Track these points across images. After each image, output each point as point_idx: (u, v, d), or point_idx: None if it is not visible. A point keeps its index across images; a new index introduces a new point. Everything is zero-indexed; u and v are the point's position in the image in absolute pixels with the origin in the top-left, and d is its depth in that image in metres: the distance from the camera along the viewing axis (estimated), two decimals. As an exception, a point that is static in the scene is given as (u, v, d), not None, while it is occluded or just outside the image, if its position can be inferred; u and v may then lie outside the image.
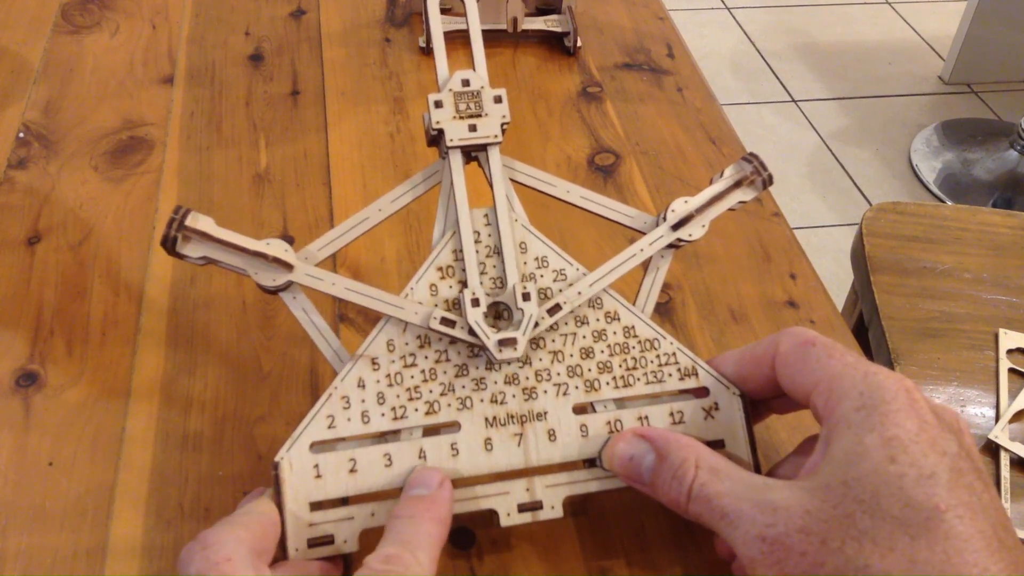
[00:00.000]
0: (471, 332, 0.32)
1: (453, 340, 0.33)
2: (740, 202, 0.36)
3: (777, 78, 1.97)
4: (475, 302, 0.33)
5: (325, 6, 0.68)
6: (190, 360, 0.42)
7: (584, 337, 0.34)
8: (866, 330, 0.76)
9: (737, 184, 0.36)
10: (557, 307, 0.33)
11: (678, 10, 2.11)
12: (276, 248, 0.33)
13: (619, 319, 0.34)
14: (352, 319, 0.45)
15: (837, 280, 1.40)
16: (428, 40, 0.63)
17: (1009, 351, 0.66)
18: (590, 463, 0.33)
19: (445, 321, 0.32)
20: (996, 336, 0.68)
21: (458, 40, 0.64)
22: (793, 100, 1.90)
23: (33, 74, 0.60)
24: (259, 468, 0.38)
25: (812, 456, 0.29)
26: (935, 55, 2.06)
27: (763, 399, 0.35)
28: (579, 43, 0.64)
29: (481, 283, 0.33)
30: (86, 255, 0.48)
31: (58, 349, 0.43)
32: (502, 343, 0.32)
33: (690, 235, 0.35)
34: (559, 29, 0.64)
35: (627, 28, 0.67)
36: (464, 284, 0.34)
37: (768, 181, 0.36)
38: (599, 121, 0.58)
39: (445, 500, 0.31)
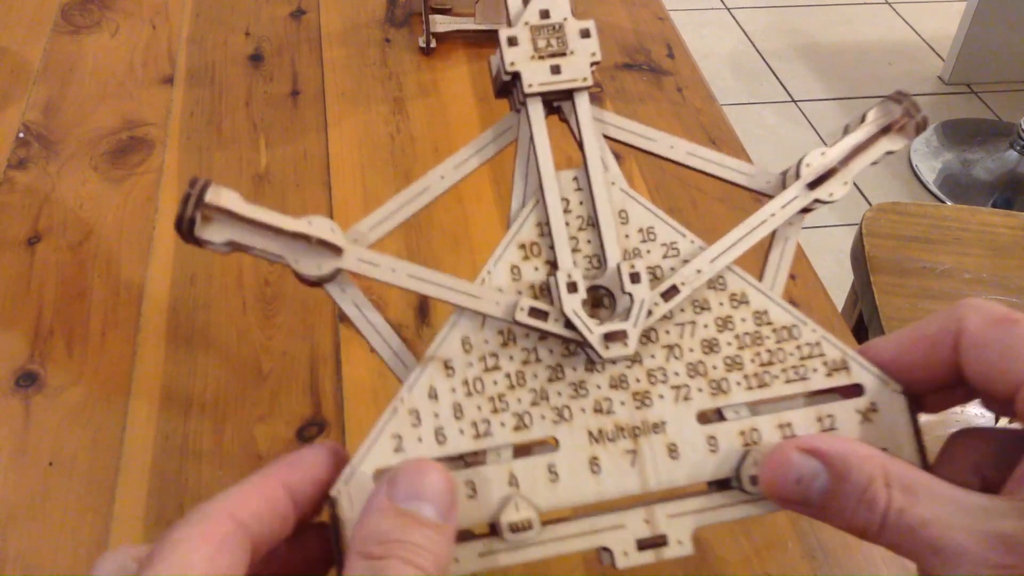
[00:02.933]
0: (568, 325, 0.26)
1: (543, 336, 0.27)
2: (887, 152, 0.29)
3: (777, 78, 1.97)
4: (571, 287, 0.26)
5: (325, 6, 0.68)
6: (190, 360, 0.42)
7: (706, 326, 0.28)
8: (866, 330, 0.76)
9: (884, 130, 0.29)
10: (673, 290, 0.27)
11: (678, 10, 2.11)
12: (321, 227, 0.26)
13: (748, 303, 0.28)
14: (352, 319, 0.45)
15: (837, 280, 1.40)
16: (428, 39, 0.63)
17: (1009, 351, 0.66)
18: (723, 484, 0.27)
19: (535, 312, 0.26)
20: (996, 336, 0.68)
21: (458, 40, 0.64)
22: (793, 100, 1.90)
23: (33, 74, 0.60)
24: (259, 468, 0.38)
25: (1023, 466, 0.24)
26: (935, 55, 2.06)
27: (927, 392, 0.28)
28: (579, 43, 0.64)
29: (575, 262, 0.27)
30: (86, 255, 0.48)
31: (58, 349, 0.43)
32: (609, 337, 0.26)
33: (831, 195, 0.29)
34: (559, 29, 0.64)
35: (627, 28, 0.67)
36: (553, 265, 0.27)
37: (922, 125, 0.29)
38: (599, 121, 0.58)
39: (448, 538, 0.23)
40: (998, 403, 0.26)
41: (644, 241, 0.28)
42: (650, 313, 0.27)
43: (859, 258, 0.78)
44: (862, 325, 0.77)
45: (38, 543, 0.35)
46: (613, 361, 0.27)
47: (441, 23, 0.63)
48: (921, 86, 1.96)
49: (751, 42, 2.09)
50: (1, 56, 0.61)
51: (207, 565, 0.21)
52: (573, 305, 0.26)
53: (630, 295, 0.27)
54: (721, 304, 0.28)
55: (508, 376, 0.27)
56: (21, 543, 0.35)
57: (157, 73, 0.61)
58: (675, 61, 0.64)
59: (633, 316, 0.26)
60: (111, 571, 0.23)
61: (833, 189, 0.29)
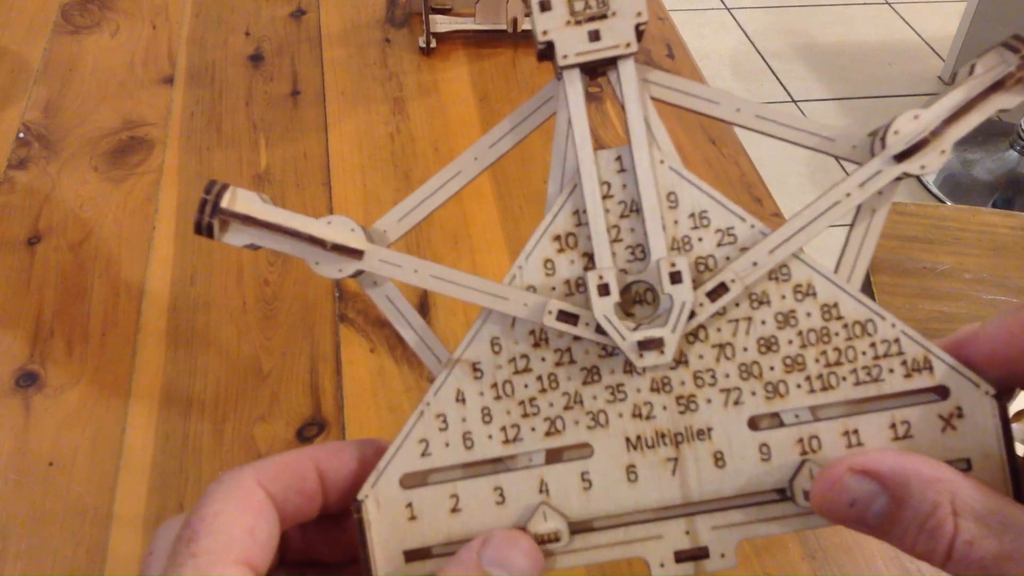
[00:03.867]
0: (599, 330, 0.25)
1: (577, 335, 0.25)
2: (1001, 111, 0.25)
3: (777, 78, 1.97)
4: (603, 289, 0.24)
5: (325, 6, 0.68)
6: (190, 360, 0.42)
7: (764, 323, 0.25)
8: (866, 330, 0.76)
9: (998, 85, 0.24)
10: (722, 288, 0.25)
11: (678, 10, 2.11)
12: (339, 230, 0.25)
13: (815, 294, 0.25)
14: (352, 319, 0.45)
15: (837, 280, 1.40)
16: (428, 40, 0.63)
17: (1009, 351, 0.66)
18: (778, 494, 0.25)
19: (564, 316, 0.25)
20: (996, 336, 0.68)
21: (458, 40, 0.64)
22: (793, 100, 1.90)
23: (33, 74, 0.60)
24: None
25: None
26: (935, 55, 2.06)
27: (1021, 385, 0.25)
28: (579, 43, 0.64)
29: (614, 254, 0.25)
30: (86, 255, 0.48)
31: (58, 349, 0.43)
32: (643, 345, 0.24)
33: (923, 167, 0.25)
34: (559, 29, 0.64)
35: (627, 28, 0.67)
36: (591, 258, 0.25)
37: None
38: (599, 121, 0.58)
39: None
40: None
41: (696, 227, 0.25)
42: (693, 315, 0.25)
43: (859, 258, 0.78)
44: (862, 325, 0.77)
45: (38, 543, 0.35)
46: (655, 367, 0.25)
47: (441, 23, 0.63)
48: (921, 86, 1.96)
49: (751, 42, 2.09)
50: (1, 56, 0.61)
51: (247, 537, 0.22)
52: (604, 310, 0.24)
53: (671, 296, 0.24)
54: (783, 297, 0.25)
55: (540, 378, 0.26)
56: (21, 543, 0.35)
57: (157, 73, 0.61)
58: (675, 61, 0.64)
59: (672, 321, 0.24)
60: (168, 544, 0.22)
61: (927, 161, 0.25)
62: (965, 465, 0.25)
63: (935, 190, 1.69)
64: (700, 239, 0.25)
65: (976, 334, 0.25)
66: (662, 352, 0.24)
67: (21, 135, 0.55)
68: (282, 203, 0.52)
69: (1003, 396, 0.25)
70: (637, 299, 0.25)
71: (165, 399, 0.41)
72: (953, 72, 1.96)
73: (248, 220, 0.25)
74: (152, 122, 0.57)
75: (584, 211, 0.25)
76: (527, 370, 0.26)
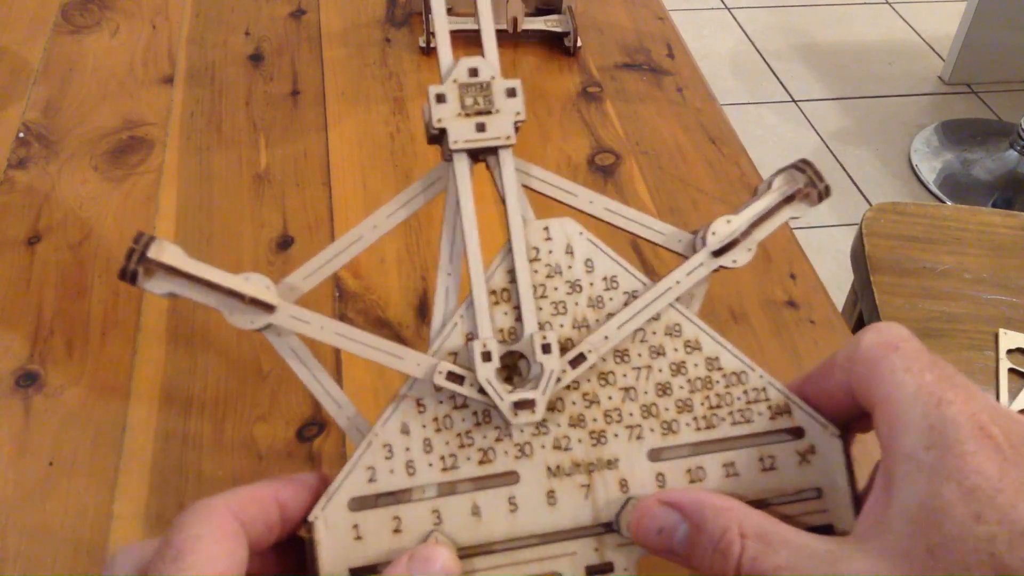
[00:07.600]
0: (482, 391, 0.28)
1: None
2: (792, 218, 0.31)
3: (777, 78, 1.97)
4: (486, 356, 0.29)
5: (325, 6, 0.68)
6: (190, 360, 0.42)
7: (661, 371, 0.30)
8: (866, 330, 0.75)
9: (788, 199, 0.31)
10: (581, 357, 0.29)
11: (678, 10, 2.11)
12: (255, 286, 0.29)
13: (701, 349, 0.30)
14: (352, 319, 0.45)
15: (837, 280, 1.40)
16: (428, 39, 0.63)
17: (1009, 351, 0.66)
18: None
19: (452, 376, 0.28)
20: (996, 336, 0.68)
21: (459, 40, 0.64)
22: (793, 100, 1.90)
23: (33, 74, 0.60)
24: (259, 468, 0.38)
25: (873, 492, 0.25)
26: (935, 55, 2.06)
27: (853, 418, 0.29)
28: (579, 43, 0.64)
29: (505, 313, 0.29)
30: (86, 255, 0.48)
31: (58, 349, 0.43)
32: (518, 405, 0.28)
33: (734, 261, 0.30)
34: (559, 29, 0.64)
35: (627, 28, 0.67)
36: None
37: (825, 193, 0.31)
38: (599, 121, 0.58)
39: None
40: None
41: (608, 289, 0.30)
42: (559, 380, 0.29)
43: (859, 258, 0.78)
44: (862, 325, 0.77)
45: (38, 543, 0.35)
46: (524, 426, 0.29)
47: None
48: (921, 86, 1.96)
49: (751, 42, 2.09)
50: (1, 56, 0.61)
51: (227, 559, 0.24)
52: (486, 374, 0.28)
53: (541, 364, 0.28)
54: (676, 350, 0.30)
55: (475, 414, 0.29)
56: (21, 543, 0.35)
57: (157, 73, 0.61)
58: (675, 61, 0.64)
59: (542, 385, 0.28)
60: (131, 568, 0.25)
61: (737, 256, 0.31)
62: (816, 494, 0.29)
63: (935, 190, 1.69)
64: (611, 299, 0.30)
65: (811, 376, 0.29)
66: (533, 411, 0.28)
67: (21, 135, 0.55)
68: (282, 203, 0.52)
69: (846, 437, 0.29)
70: (514, 365, 0.29)
71: (165, 399, 0.41)
72: (950, 74, 1.96)
73: (172, 271, 0.28)
74: (152, 122, 0.57)
75: (471, 293, 0.29)
76: (464, 406, 0.29)
